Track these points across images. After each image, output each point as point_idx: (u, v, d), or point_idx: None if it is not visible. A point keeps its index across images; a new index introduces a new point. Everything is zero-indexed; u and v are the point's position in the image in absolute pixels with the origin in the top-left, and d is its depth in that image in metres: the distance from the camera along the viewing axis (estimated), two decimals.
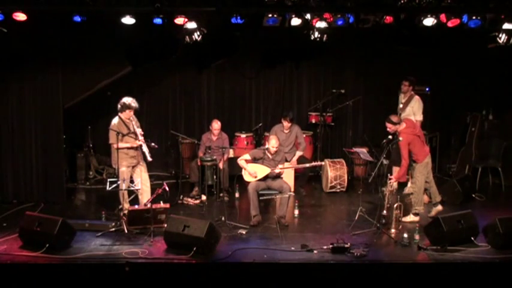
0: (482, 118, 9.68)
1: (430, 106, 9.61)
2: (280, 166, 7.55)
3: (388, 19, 7.59)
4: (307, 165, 8.27)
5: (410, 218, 7.49)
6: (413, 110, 8.77)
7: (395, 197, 7.54)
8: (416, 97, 8.86)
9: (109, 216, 7.41)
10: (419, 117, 8.75)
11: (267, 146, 7.59)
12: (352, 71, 10.33)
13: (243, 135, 9.64)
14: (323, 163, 8.64)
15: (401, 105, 8.99)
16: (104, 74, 8.55)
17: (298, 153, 8.71)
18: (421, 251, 6.50)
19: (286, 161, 8.32)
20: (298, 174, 8.99)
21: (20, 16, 7.16)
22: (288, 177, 8.31)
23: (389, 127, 7.46)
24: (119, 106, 7.34)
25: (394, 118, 7.53)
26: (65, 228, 6.49)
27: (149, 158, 7.25)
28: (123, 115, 7.35)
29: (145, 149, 7.25)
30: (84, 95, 8.56)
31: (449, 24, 7.55)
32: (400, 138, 7.88)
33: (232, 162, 8.82)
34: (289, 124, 8.65)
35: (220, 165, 8.48)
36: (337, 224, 7.61)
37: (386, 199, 7.21)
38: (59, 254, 6.28)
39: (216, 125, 8.70)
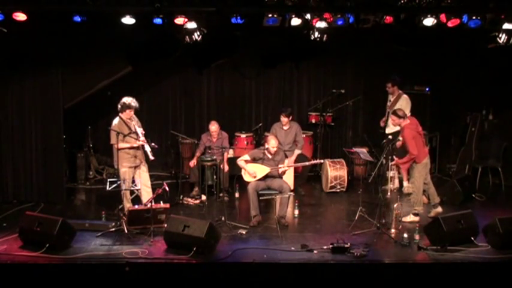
0: (482, 118, 9.69)
1: (430, 106, 9.61)
2: (280, 166, 7.55)
3: (388, 19, 7.59)
4: (307, 163, 8.27)
5: (410, 218, 7.48)
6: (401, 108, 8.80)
7: (396, 196, 7.55)
8: (404, 96, 8.90)
9: (109, 216, 7.41)
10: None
11: (266, 146, 7.60)
12: (352, 71, 10.33)
13: (243, 135, 9.64)
14: (322, 161, 8.64)
15: (389, 103, 9.02)
16: (104, 74, 8.55)
17: (297, 152, 8.71)
18: (421, 251, 6.50)
19: (286, 157, 8.31)
20: (297, 174, 8.99)
21: (20, 16, 7.15)
22: (288, 176, 8.29)
23: (394, 119, 7.51)
24: (119, 106, 7.34)
25: (400, 112, 7.54)
26: (65, 228, 6.49)
27: (151, 157, 7.26)
28: (123, 115, 7.36)
29: (147, 148, 7.26)
30: (84, 95, 8.56)
31: (449, 24, 7.55)
32: (400, 138, 7.89)
33: (232, 162, 8.82)
34: (287, 119, 8.64)
35: (226, 168, 8.49)
36: (337, 224, 7.61)
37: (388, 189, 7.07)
38: (59, 254, 6.28)
39: (213, 127, 8.66)
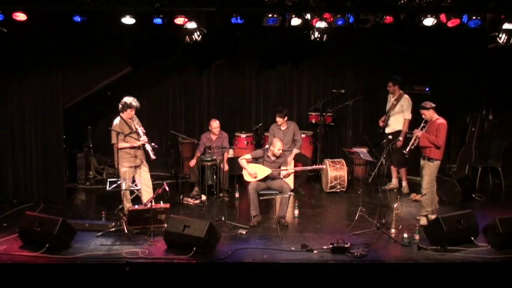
0: (482, 118, 9.69)
1: None
2: (282, 168, 7.54)
3: (388, 19, 7.59)
4: (309, 167, 8.34)
5: (424, 221, 7.37)
6: (402, 108, 8.80)
7: (396, 196, 7.53)
8: (406, 96, 8.89)
9: (109, 216, 7.40)
10: (408, 115, 8.78)
11: (267, 147, 7.60)
12: (352, 71, 10.32)
13: (243, 135, 9.63)
14: (323, 166, 8.63)
15: (390, 104, 9.00)
16: (104, 74, 8.56)
17: (295, 151, 8.72)
18: (421, 251, 6.50)
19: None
20: (297, 174, 8.99)
21: (20, 16, 7.16)
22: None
23: (425, 113, 7.39)
24: (120, 106, 7.34)
25: (427, 104, 7.44)
26: (65, 228, 6.49)
27: (153, 157, 7.27)
28: (124, 115, 7.36)
29: (148, 147, 7.26)
30: (84, 95, 8.56)
31: (449, 24, 7.55)
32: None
33: (232, 162, 8.82)
34: (283, 120, 8.64)
35: (226, 168, 8.49)
36: (337, 224, 7.61)
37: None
38: (59, 254, 6.28)
39: (215, 123, 8.69)
